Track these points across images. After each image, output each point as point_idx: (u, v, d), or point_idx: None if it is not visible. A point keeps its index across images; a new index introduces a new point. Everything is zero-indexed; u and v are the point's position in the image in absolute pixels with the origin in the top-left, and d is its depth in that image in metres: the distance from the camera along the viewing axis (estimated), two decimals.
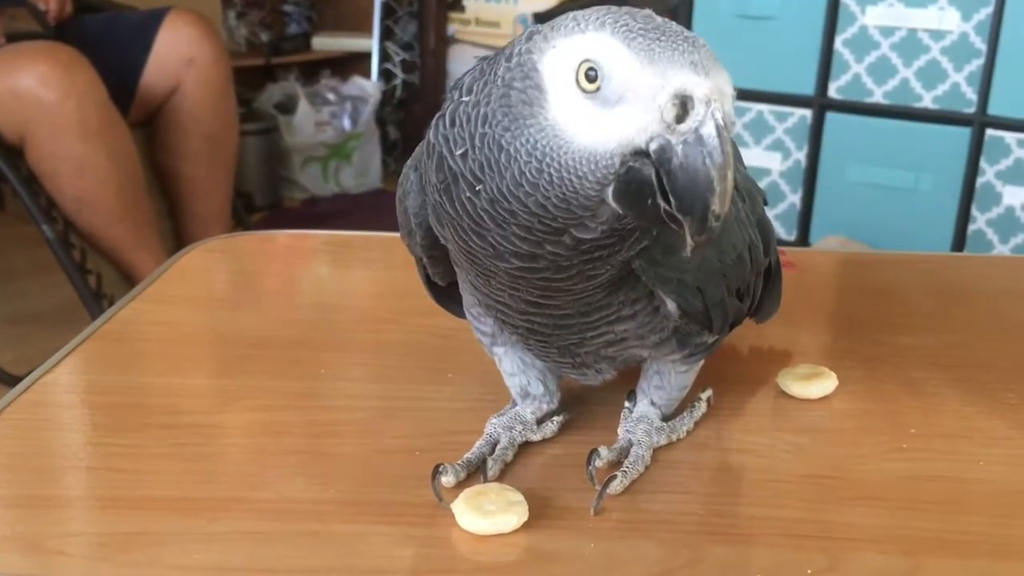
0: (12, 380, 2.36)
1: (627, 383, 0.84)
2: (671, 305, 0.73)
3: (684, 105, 0.57)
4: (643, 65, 0.57)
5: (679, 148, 0.57)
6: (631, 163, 0.59)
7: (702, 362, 0.83)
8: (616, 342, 0.76)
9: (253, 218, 2.86)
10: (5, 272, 2.99)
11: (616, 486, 0.74)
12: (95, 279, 2.37)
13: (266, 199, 3.77)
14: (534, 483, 0.75)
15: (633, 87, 0.58)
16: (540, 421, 0.82)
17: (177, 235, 2.74)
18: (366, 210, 3.81)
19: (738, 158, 0.79)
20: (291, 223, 3.60)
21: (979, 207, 2.49)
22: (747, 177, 0.81)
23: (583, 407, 0.86)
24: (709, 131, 0.56)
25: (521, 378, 0.83)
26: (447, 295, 0.84)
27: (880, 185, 2.57)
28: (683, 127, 0.57)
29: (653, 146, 0.58)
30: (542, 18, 3.68)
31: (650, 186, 0.58)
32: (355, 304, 1.19)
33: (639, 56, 0.57)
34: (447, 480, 0.74)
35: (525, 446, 0.81)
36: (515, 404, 0.84)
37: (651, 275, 0.70)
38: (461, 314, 0.84)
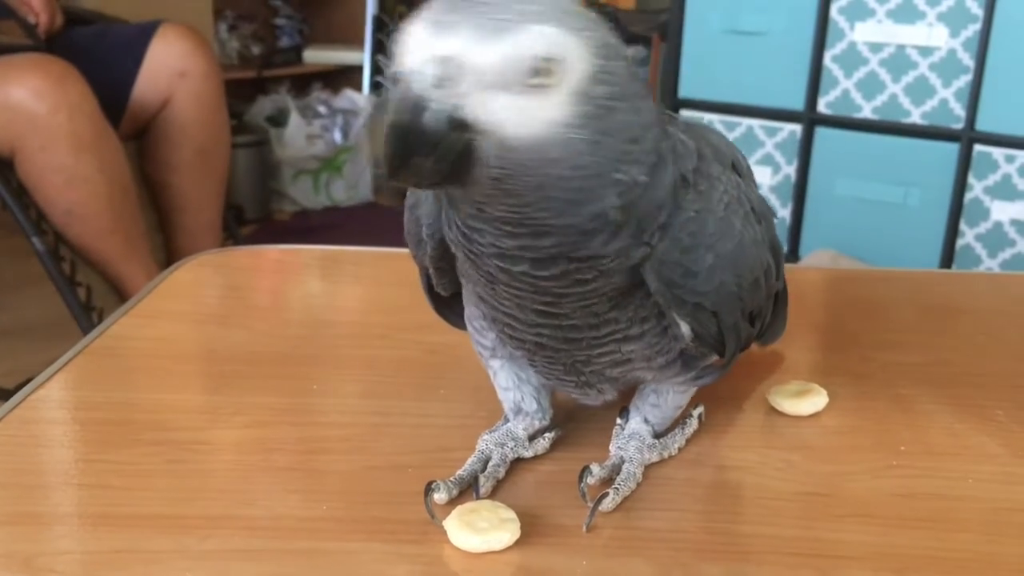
0: (1, 393, 2.35)
1: (620, 400, 0.84)
2: (685, 328, 0.73)
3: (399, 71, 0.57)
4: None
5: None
6: None
7: (701, 383, 0.83)
8: (622, 363, 0.76)
9: (244, 231, 2.86)
10: None
11: (608, 503, 0.74)
12: (85, 291, 2.36)
13: (257, 212, 3.76)
14: (526, 500, 0.75)
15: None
16: (532, 437, 0.82)
17: (168, 248, 2.74)
18: (357, 223, 3.81)
19: (751, 178, 0.81)
20: (282, 236, 3.62)
21: (967, 222, 2.51)
22: (760, 199, 0.80)
23: (575, 423, 0.86)
24: (392, 96, 0.56)
25: (515, 393, 0.83)
26: (448, 306, 0.84)
27: (869, 200, 2.58)
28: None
29: None
30: None
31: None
32: (346, 319, 1.19)
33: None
34: (439, 497, 0.74)
35: (517, 463, 0.81)
36: (507, 420, 0.84)
37: (668, 297, 0.69)
38: (460, 325, 0.84)
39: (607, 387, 0.80)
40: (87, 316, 2.31)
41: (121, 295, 2.46)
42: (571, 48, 0.57)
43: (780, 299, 0.87)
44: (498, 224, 0.63)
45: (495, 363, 0.83)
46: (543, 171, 0.59)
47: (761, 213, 0.78)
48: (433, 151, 0.56)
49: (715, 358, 0.79)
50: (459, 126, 0.57)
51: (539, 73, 0.57)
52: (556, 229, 0.63)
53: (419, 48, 0.56)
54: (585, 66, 0.58)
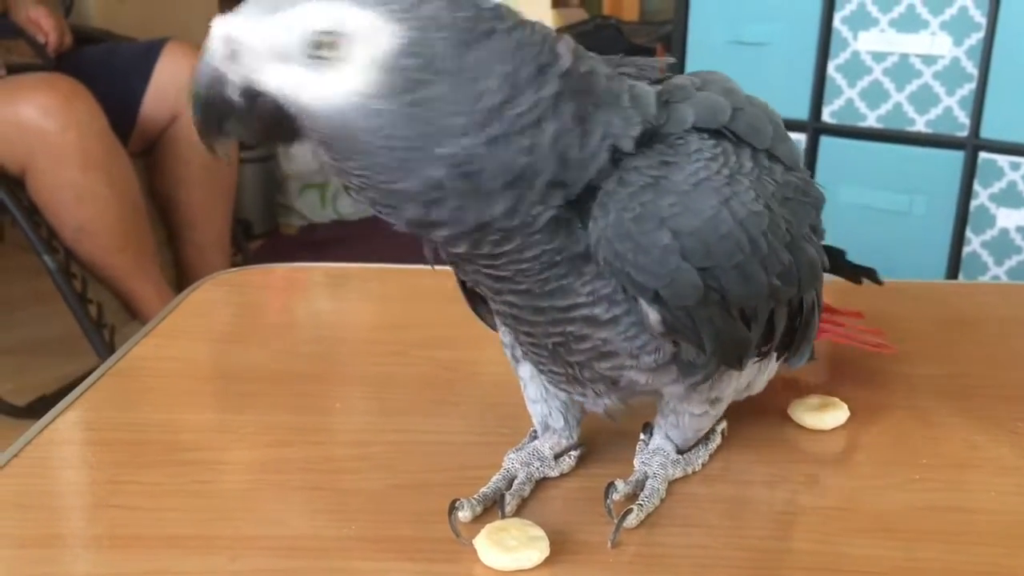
0: (13, 410, 2.36)
1: (643, 415, 0.84)
2: (653, 316, 0.70)
3: None
4: None
5: None
6: None
7: (722, 408, 0.83)
8: (607, 355, 0.74)
9: (252, 245, 2.87)
10: (5, 302, 2.99)
11: (632, 520, 0.75)
12: (96, 309, 2.37)
13: (264, 226, 3.78)
14: (553, 517, 0.76)
15: None
16: (557, 456, 0.83)
17: (177, 263, 2.75)
18: (364, 237, 3.81)
19: (793, 159, 0.77)
20: (290, 250, 3.63)
21: (973, 229, 2.52)
22: (800, 188, 0.76)
23: (599, 439, 0.87)
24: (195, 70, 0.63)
25: (543, 407, 0.83)
26: (484, 303, 0.81)
27: (874, 208, 2.59)
28: None
29: None
30: None
31: None
32: (361, 337, 1.19)
33: None
34: (464, 515, 0.75)
35: (543, 480, 0.82)
36: (532, 438, 0.84)
37: (619, 276, 0.68)
38: (494, 325, 0.83)
39: (602, 388, 0.78)
40: (98, 333, 2.32)
41: (131, 311, 2.47)
42: (361, 22, 0.60)
43: (807, 316, 0.82)
44: (356, 192, 0.66)
45: (524, 373, 0.83)
46: (357, 138, 0.62)
47: (793, 200, 0.74)
48: (236, 115, 0.63)
49: (723, 369, 0.77)
50: (253, 94, 0.62)
51: (322, 46, 0.60)
52: (399, 194, 0.64)
53: (217, 26, 0.62)
54: (388, 39, 0.60)
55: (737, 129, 0.73)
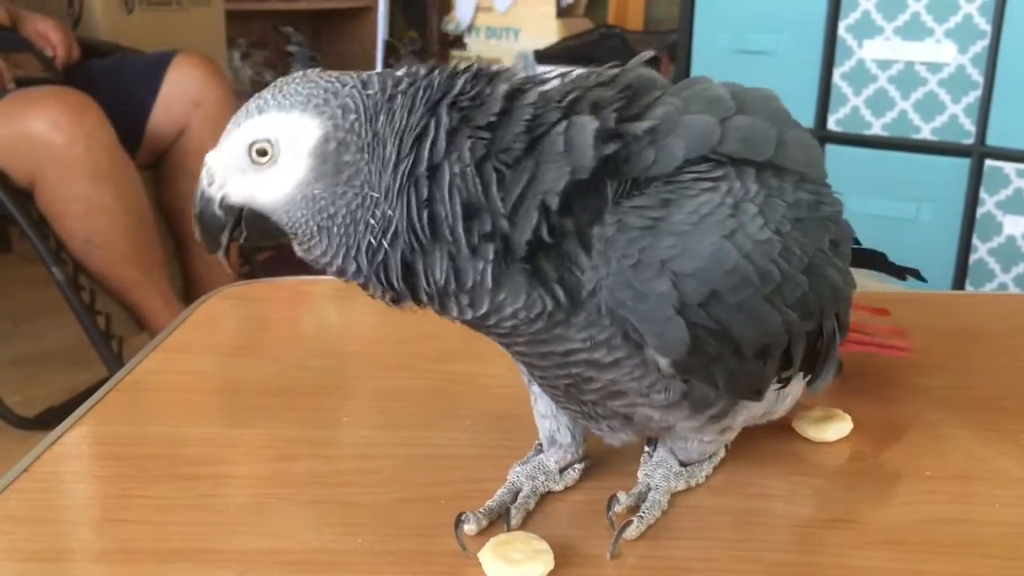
0: (21, 422, 2.37)
1: (642, 442, 0.85)
2: (662, 361, 0.69)
3: None
4: None
5: None
6: None
7: (733, 435, 0.83)
8: (617, 394, 0.74)
9: (259, 256, 2.88)
10: (13, 313, 3.01)
11: (632, 531, 0.75)
12: (104, 320, 2.38)
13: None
14: (557, 531, 0.76)
15: None
16: (562, 470, 0.83)
17: (184, 275, 2.76)
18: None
19: (805, 158, 0.73)
20: (297, 260, 3.62)
21: (980, 237, 2.52)
22: (812, 204, 0.73)
23: (604, 452, 0.87)
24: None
25: (552, 422, 0.84)
26: None
27: (881, 216, 2.59)
28: None
29: None
30: (543, 55, 3.72)
31: None
32: (369, 350, 1.20)
33: None
34: (469, 528, 0.75)
35: (548, 493, 0.82)
36: (538, 451, 0.85)
37: (621, 324, 0.68)
38: None
39: (617, 424, 0.79)
40: (106, 344, 2.33)
41: (139, 322, 2.49)
42: (285, 125, 0.68)
43: (828, 341, 0.78)
44: (334, 275, 0.72)
45: (536, 388, 0.84)
46: (305, 222, 0.69)
47: (803, 222, 0.71)
48: (226, 227, 0.72)
49: (731, 401, 0.77)
50: (231, 208, 0.71)
51: (262, 153, 0.69)
52: (355, 273, 0.70)
53: (207, 157, 0.72)
54: (311, 132, 0.68)
55: (730, 150, 0.69)
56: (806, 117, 2.66)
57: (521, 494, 0.80)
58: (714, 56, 2.77)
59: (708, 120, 0.69)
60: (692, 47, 2.81)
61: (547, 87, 0.69)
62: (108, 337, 2.36)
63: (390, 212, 0.66)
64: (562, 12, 4.13)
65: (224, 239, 0.72)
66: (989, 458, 0.88)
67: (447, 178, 0.65)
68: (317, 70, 0.71)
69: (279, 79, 0.72)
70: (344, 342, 1.24)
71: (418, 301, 0.70)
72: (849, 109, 2.63)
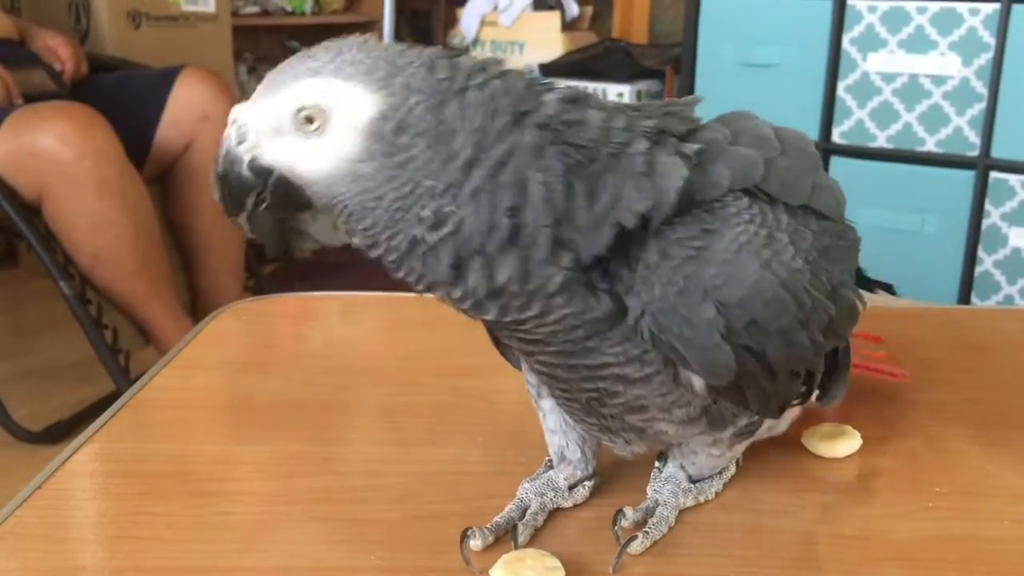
0: (28, 435, 2.37)
1: (652, 454, 0.85)
2: (697, 382, 0.71)
3: None
4: None
5: None
6: None
7: (741, 450, 0.84)
8: (637, 409, 0.75)
9: (266, 270, 2.89)
10: (21, 327, 3.02)
11: (636, 546, 0.75)
12: (111, 334, 2.39)
13: (277, 250, 3.79)
14: (567, 547, 0.77)
15: None
16: (572, 486, 0.84)
17: (192, 288, 2.77)
18: (377, 260, 3.83)
19: (832, 207, 0.77)
20: (304, 274, 3.65)
21: (986, 249, 2.52)
22: (836, 233, 0.77)
23: (614, 468, 0.87)
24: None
25: (561, 438, 0.84)
26: (507, 346, 0.83)
27: (886, 228, 2.59)
28: None
29: None
30: (548, 69, 3.73)
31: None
32: (379, 365, 1.20)
33: None
34: (475, 544, 0.76)
35: (558, 509, 0.82)
36: (548, 468, 0.85)
37: (663, 348, 0.69)
38: (518, 364, 0.84)
39: (633, 437, 0.80)
40: (114, 358, 2.33)
41: (147, 336, 2.49)
42: (342, 94, 0.65)
43: (841, 357, 0.82)
44: (366, 250, 0.69)
45: (545, 404, 0.84)
46: (347, 199, 0.66)
47: (828, 250, 0.75)
48: (251, 191, 0.68)
49: (751, 418, 0.78)
50: (261, 170, 0.68)
51: (310, 119, 0.66)
52: (395, 250, 0.67)
53: (232, 113, 0.69)
54: (367, 107, 0.65)
55: (770, 190, 0.72)
56: (811, 129, 2.66)
57: (529, 511, 0.80)
58: (718, 69, 2.78)
59: (754, 155, 0.72)
60: (696, 60, 2.82)
61: (634, 112, 0.70)
62: (115, 351, 2.36)
63: (453, 208, 0.64)
64: (567, 26, 4.14)
65: (249, 203, 0.69)
66: (998, 474, 0.88)
67: (536, 190, 0.64)
68: (373, 36, 0.68)
69: (333, 40, 0.68)
70: (353, 357, 1.24)
71: (452, 296, 0.68)
72: (853, 122, 2.64)
